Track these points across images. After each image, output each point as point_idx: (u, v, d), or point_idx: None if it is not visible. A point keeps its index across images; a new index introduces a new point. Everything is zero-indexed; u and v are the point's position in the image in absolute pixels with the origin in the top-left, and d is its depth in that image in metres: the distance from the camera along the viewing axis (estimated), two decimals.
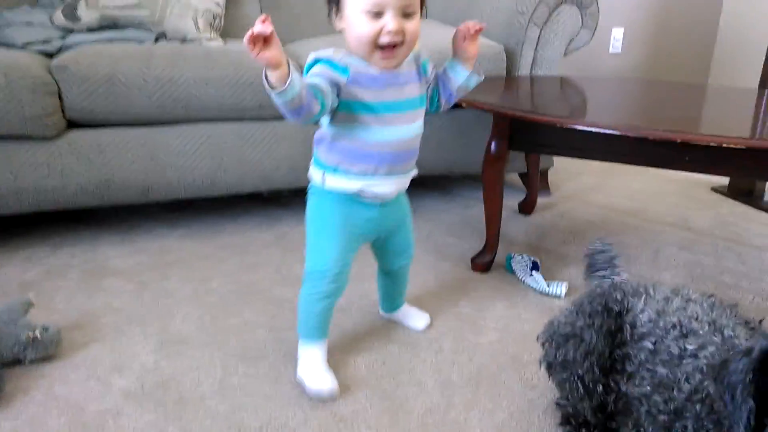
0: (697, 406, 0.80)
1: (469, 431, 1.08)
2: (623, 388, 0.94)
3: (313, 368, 1.18)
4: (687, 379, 0.84)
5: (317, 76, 1.02)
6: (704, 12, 3.47)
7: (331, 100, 1.02)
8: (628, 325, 0.97)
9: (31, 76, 1.56)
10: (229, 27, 2.17)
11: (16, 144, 1.60)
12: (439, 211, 2.06)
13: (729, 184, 2.33)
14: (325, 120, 1.10)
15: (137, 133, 1.70)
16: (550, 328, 1.06)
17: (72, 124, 1.66)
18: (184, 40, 1.94)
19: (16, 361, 1.21)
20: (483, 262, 1.64)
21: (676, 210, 2.15)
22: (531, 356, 1.26)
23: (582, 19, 2.03)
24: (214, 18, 2.09)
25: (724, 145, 1.26)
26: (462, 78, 1.15)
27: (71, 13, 1.89)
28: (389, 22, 1.00)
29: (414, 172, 1.19)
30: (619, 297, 1.01)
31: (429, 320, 1.39)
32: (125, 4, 1.92)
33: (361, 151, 1.09)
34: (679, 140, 1.28)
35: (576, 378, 0.99)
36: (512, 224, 1.97)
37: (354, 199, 1.13)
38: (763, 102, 1.75)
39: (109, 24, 1.91)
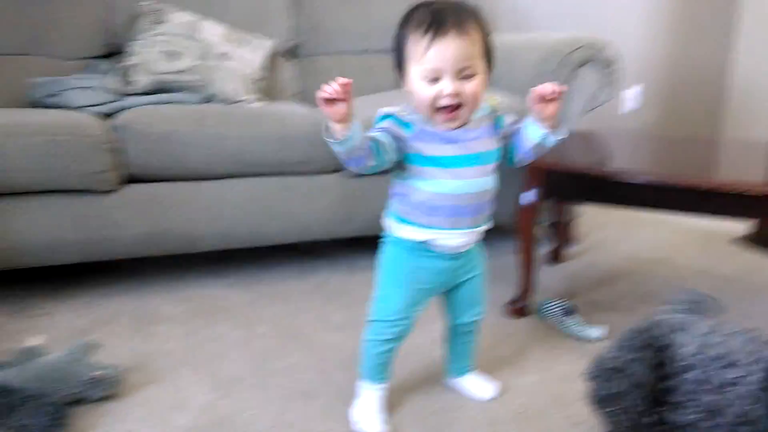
0: (742, 428, 0.85)
1: None
2: (670, 419, 0.98)
3: (368, 410, 1.22)
4: (731, 406, 0.89)
5: (381, 131, 1.07)
6: (714, 69, 3.60)
7: (390, 155, 1.07)
8: (672, 359, 1.02)
9: (93, 135, 1.68)
10: (270, 90, 2.31)
11: (77, 197, 1.70)
12: None
13: (747, 234, 2.38)
14: (395, 172, 1.14)
15: (191, 186, 1.81)
16: (597, 363, 1.11)
17: (130, 179, 1.77)
18: (230, 102, 2.07)
19: (80, 400, 1.27)
20: (518, 308, 1.70)
21: (700, 259, 2.20)
22: (574, 395, 1.30)
23: (604, 77, 2.14)
24: (257, 81, 2.23)
25: (745, 193, 1.33)
26: (537, 137, 1.13)
27: (126, 77, 2.04)
28: (446, 86, 1.03)
29: (487, 225, 1.19)
30: (661, 332, 1.07)
31: (497, 390, 1.35)
32: (176, 70, 2.06)
33: (427, 203, 1.11)
34: (705, 187, 1.36)
35: (624, 411, 1.04)
36: (542, 273, 2.02)
37: (424, 249, 1.14)
38: None
39: (160, 87, 2.04)
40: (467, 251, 1.19)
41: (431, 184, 1.10)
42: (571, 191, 1.65)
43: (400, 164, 1.11)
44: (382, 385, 1.24)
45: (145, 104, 1.92)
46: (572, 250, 2.25)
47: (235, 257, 2.08)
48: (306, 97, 2.37)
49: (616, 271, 2.07)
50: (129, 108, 1.87)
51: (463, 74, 1.04)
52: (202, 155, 1.78)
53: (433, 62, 1.03)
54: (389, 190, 1.17)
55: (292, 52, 2.50)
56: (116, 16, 2.26)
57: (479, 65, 1.06)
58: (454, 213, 1.12)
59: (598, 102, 2.19)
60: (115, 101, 1.96)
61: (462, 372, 1.35)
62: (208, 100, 2.04)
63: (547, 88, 1.08)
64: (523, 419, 1.25)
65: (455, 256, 1.18)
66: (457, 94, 1.04)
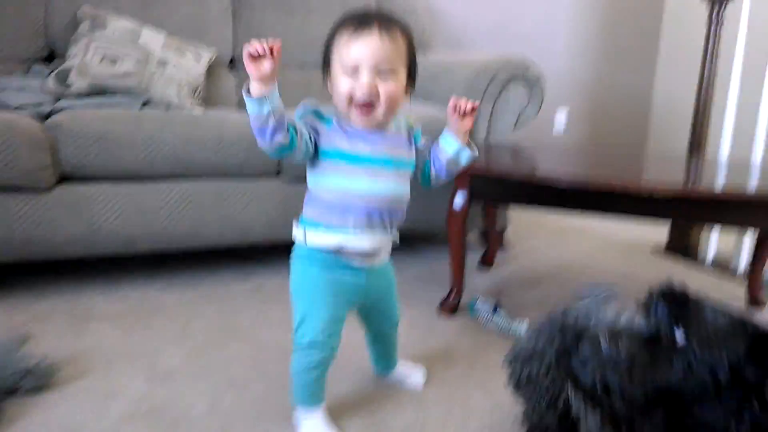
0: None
1: None
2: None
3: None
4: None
5: (300, 119, 1.09)
6: (638, 91, 3.84)
7: (304, 145, 1.07)
8: (579, 340, 1.11)
9: (27, 134, 1.68)
10: (209, 98, 2.35)
11: (11, 195, 1.69)
12: (406, 265, 2.19)
13: (666, 244, 2.55)
14: (309, 171, 1.14)
15: (125, 187, 1.82)
16: (514, 349, 1.20)
17: (64, 178, 1.77)
18: (168, 107, 2.09)
19: (13, 391, 1.26)
20: (450, 306, 1.78)
21: (622, 266, 2.35)
22: (498, 382, 1.38)
23: (530, 96, 2.28)
24: (196, 89, 2.27)
25: (654, 195, 1.46)
26: (452, 150, 1.17)
27: (63, 80, 2.03)
28: (362, 78, 1.06)
29: (396, 236, 1.21)
30: (571, 318, 1.16)
31: (424, 373, 1.41)
32: (115, 73, 2.07)
33: (339, 203, 1.11)
34: (618, 189, 1.48)
35: (541, 391, 1.12)
36: (474, 276, 2.12)
37: (339, 264, 1.14)
38: (692, 162, 2.00)
39: (98, 91, 2.05)
40: (380, 268, 1.21)
41: (344, 182, 1.10)
42: (496, 194, 1.76)
43: (314, 161, 1.12)
44: (322, 406, 1.21)
45: (81, 106, 1.93)
46: (503, 255, 2.36)
47: (173, 259, 2.09)
48: (242, 106, 2.41)
49: (543, 275, 2.19)
50: (65, 109, 1.88)
51: (381, 72, 1.07)
52: (138, 157, 1.80)
53: (353, 54, 1.06)
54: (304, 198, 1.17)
55: (231, 62, 2.55)
56: (56, 20, 2.26)
57: (399, 70, 1.09)
58: (366, 213, 1.11)
59: (525, 117, 2.33)
60: (51, 102, 1.97)
61: (389, 368, 1.40)
62: (147, 104, 2.07)
63: (462, 101, 1.13)
64: (450, 402, 1.32)
65: (369, 271, 1.17)
66: (371, 89, 1.06)
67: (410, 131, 1.19)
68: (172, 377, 1.39)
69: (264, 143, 1.04)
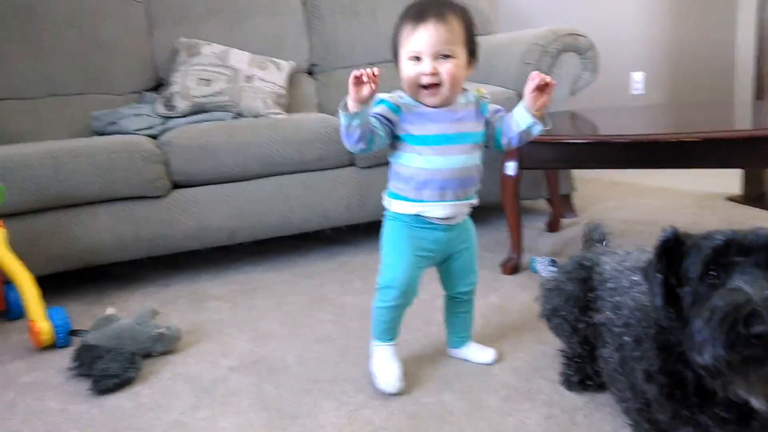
0: (637, 313, 1.09)
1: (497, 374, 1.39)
2: (596, 320, 1.23)
3: (383, 363, 1.36)
4: (633, 299, 1.13)
5: (375, 116, 1.23)
6: (719, 51, 3.75)
7: (380, 140, 1.23)
8: (596, 274, 1.27)
9: (144, 150, 2.05)
10: (292, 105, 2.65)
11: (136, 202, 2.07)
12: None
13: (740, 194, 2.56)
14: (390, 152, 1.31)
15: (225, 188, 2.15)
16: (541, 287, 1.38)
17: (176, 185, 2.13)
18: (256, 116, 2.41)
19: (147, 354, 1.60)
20: (510, 266, 1.97)
21: (692, 218, 2.41)
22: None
23: (583, 63, 2.39)
24: (279, 97, 2.58)
25: (686, 140, 1.57)
26: (524, 124, 1.25)
27: (169, 104, 2.41)
28: (425, 65, 1.21)
29: (474, 200, 1.33)
30: (589, 257, 1.32)
31: (495, 355, 1.46)
32: (210, 93, 2.42)
33: (416, 179, 1.26)
34: (646, 140, 1.61)
35: (563, 320, 1.30)
36: (540, 239, 2.28)
37: (419, 221, 1.29)
38: (749, 109, 2.04)
39: (198, 110, 2.40)
40: (458, 224, 1.33)
41: (418, 161, 1.25)
42: (545, 159, 1.91)
43: (393, 144, 1.28)
44: (393, 343, 1.39)
45: (186, 124, 2.29)
46: (569, 220, 2.49)
47: (270, 245, 2.42)
48: (323, 108, 2.70)
49: (611, 234, 2.30)
50: (173, 128, 2.24)
51: (440, 56, 1.21)
52: (233, 160, 2.12)
53: (415, 45, 1.21)
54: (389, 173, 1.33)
55: (309, 71, 2.85)
56: (158, 53, 2.66)
57: (458, 51, 1.23)
58: (439, 187, 1.26)
59: (581, 85, 2.44)
60: (161, 124, 2.34)
61: (461, 343, 1.47)
62: (239, 116, 2.40)
63: (545, 78, 1.19)
64: (501, 339, 1.52)
65: (447, 227, 1.31)
66: (434, 73, 1.21)
67: (478, 103, 1.30)
68: (270, 338, 1.68)
69: (348, 145, 1.22)
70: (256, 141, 2.14)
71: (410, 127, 1.25)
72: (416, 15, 1.22)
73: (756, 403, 0.82)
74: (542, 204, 2.66)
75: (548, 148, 1.85)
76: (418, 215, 1.28)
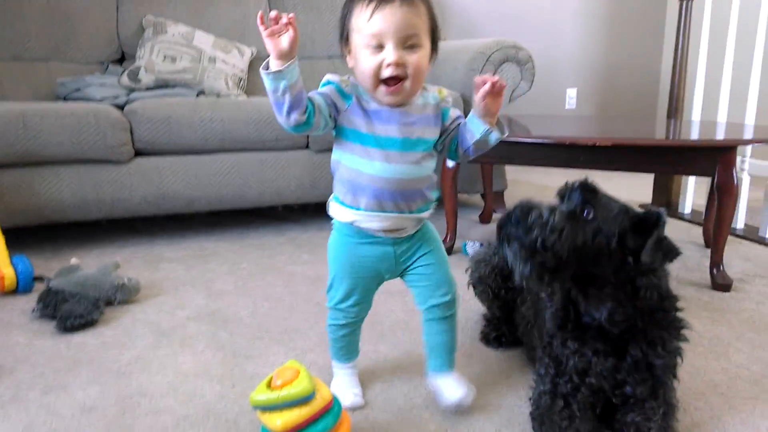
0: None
1: None
2: (516, 285, 1.45)
3: (341, 386, 1.26)
4: None
5: (320, 94, 1.05)
6: (646, 65, 4.11)
7: (322, 120, 1.04)
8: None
9: (111, 117, 2.17)
10: (251, 89, 2.80)
11: (100, 166, 2.18)
12: None
13: (652, 200, 2.88)
14: (334, 144, 1.12)
15: (186, 159, 2.29)
16: (471, 260, 1.59)
17: (138, 153, 2.25)
18: (218, 95, 2.55)
19: (109, 301, 1.73)
20: (445, 247, 2.18)
21: None
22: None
23: (521, 73, 2.64)
24: (240, 80, 2.72)
25: (597, 144, 1.83)
26: (479, 132, 1.09)
27: (134, 77, 2.52)
28: (389, 54, 1.00)
29: (424, 214, 1.15)
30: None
31: (470, 396, 1.21)
32: (175, 70, 2.55)
33: (354, 182, 1.08)
34: (567, 143, 1.85)
35: (488, 287, 1.52)
36: (473, 229, 2.51)
37: (360, 234, 1.13)
38: (662, 124, 2.33)
39: (162, 84, 2.53)
40: (409, 237, 1.16)
41: (357, 162, 1.07)
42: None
43: (336, 135, 1.11)
44: (350, 364, 1.29)
45: (150, 97, 2.41)
46: (500, 214, 2.74)
47: (224, 217, 2.57)
48: None
49: None
50: (137, 99, 2.36)
51: (407, 43, 1.02)
52: (195, 134, 2.26)
53: (377, 27, 1.00)
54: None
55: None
56: (125, 28, 2.77)
57: (424, 40, 1.04)
58: (376, 195, 1.08)
59: (516, 94, 2.70)
60: (125, 95, 2.46)
61: (439, 369, 1.24)
62: (200, 94, 2.53)
63: (492, 79, 1.05)
64: None
65: (395, 241, 1.14)
66: (400, 64, 1.01)
67: (439, 106, 1.12)
68: (224, 295, 1.84)
69: (281, 118, 1.02)
70: (218, 117, 2.29)
71: (358, 122, 1.07)
72: None
73: (601, 316, 1.07)
74: (478, 199, 2.90)
75: None
76: (355, 225, 1.12)
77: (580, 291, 1.09)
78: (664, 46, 4.05)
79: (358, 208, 1.10)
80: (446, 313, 1.21)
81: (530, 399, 1.19)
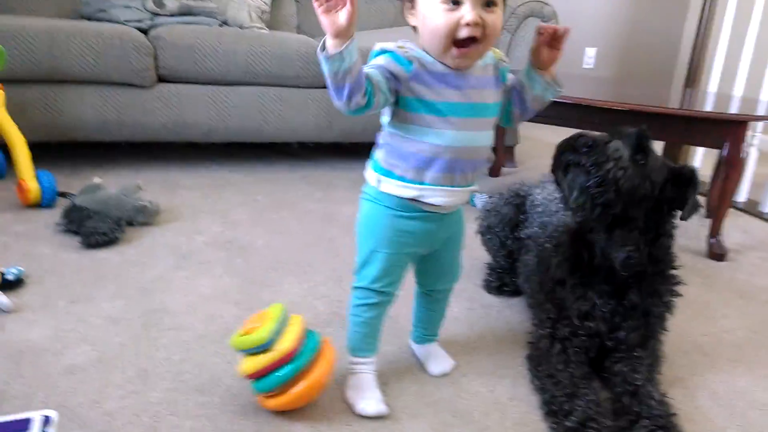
0: (560, 228, 1.36)
1: None
2: (523, 235, 1.52)
3: (362, 391, 1.12)
4: (558, 220, 1.41)
5: (376, 68, 0.94)
6: (668, 30, 4.08)
7: (382, 98, 0.94)
8: (528, 201, 1.56)
9: (137, 41, 2.19)
10: (273, 23, 2.80)
11: (123, 89, 2.22)
12: None
13: None
14: (385, 119, 1.02)
15: (207, 89, 2.33)
16: (482, 209, 1.66)
17: (161, 79, 2.28)
18: (240, 27, 2.56)
19: (130, 222, 1.80)
20: None
21: None
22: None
23: None
24: (263, 13, 2.72)
25: (615, 108, 1.86)
26: (539, 88, 1.03)
27: (159, 1, 2.52)
28: (467, 12, 0.90)
29: (475, 186, 1.08)
30: (525, 188, 1.61)
31: (450, 368, 1.24)
32: None
33: (420, 155, 0.99)
34: (585, 104, 1.89)
35: (495, 235, 1.59)
36: (482, 182, 2.55)
37: (408, 209, 1.04)
38: (683, 92, 2.36)
39: (185, 11, 2.53)
40: (452, 214, 1.10)
41: (423, 133, 0.98)
42: None
43: (394, 109, 0.99)
44: (371, 359, 1.16)
45: (174, 23, 2.42)
46: (509, 169, 2.79)
47: (241, 148, 2.62)
48: (302, 30, 2.87)
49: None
50: (161, 25, 2.37)
51: (486, 1, 0.92)
52: (218, 65, 2.29)
53: None
54: (377, 140, 1.05)
55: None
56: None
57: None
58: (447, 168, 1.00)
59: None
60: (150, 20, 2.47)
61: (423, 340, 1.27)
62: (224, 24, 2.54)
63: (556, 28, 0.98)
64: None
65: (439, 216, 1.07)
66: (479, 24, 0.91)
67: (497, 66, 1.03)
68: (239, 225, 1.91)
69: (340, 103, 0.92)
70: (242, 50, 2.31)
71: (423, 90, 0.96)
72: None
73: (617, 259, 1.15)
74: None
75: None
76: (413, 200, 1.03)
77: (607, 231, 1.16)
78: (689, 12, 4.01)
79: (422, 183, 1.00)
80: (445, 295, 1.23)
81: (529, 343, 1.28)
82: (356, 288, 1.12)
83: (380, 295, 1.11)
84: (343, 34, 0.86)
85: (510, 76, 1.06)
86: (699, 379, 1.28)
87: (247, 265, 1.64)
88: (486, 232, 1.62)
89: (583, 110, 1.99)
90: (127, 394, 1.10)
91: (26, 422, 0.91)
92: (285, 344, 1.02)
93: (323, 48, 0.87)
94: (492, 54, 1.03)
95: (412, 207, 1.04)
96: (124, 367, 1.17)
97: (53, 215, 1.81)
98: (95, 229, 1.67)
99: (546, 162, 1.23)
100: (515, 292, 1.57)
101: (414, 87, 0.96)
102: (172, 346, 1.25)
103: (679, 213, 1.17)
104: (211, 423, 1.04)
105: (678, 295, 1.24)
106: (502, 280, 1.61)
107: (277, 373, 1.02)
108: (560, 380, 1.15)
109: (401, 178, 1.01)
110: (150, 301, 1.41)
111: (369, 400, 1.10)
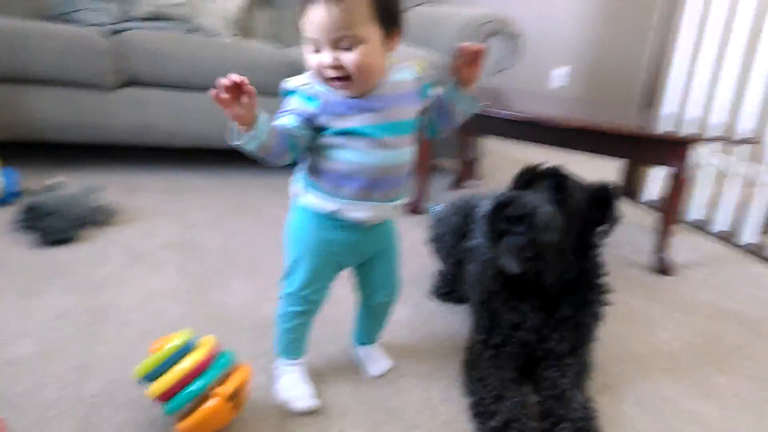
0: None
1: None
2: (469, 245, 1.56)
3: (291, 386, 1.17)
4: None
5: (289, 114, 1.01)
6: (632, 51, 4.17)
7: (306, 139, 1.01)
8: (476, 211, 1.60)
9: (98, 44, 2.21)
10: (245, 31, 2.84)
11: (84, 91, 2.24)
12: None
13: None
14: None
15: (171, 94, 2.35)
16: (432, 218, 1.70)
17: (126, 83, 2.30)
18: (209, 35, 2.60)
19: (87, 222, 1.82)
20: (413, 207, 2.29)
21: None
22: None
23: (509, 47, 2.71)
24: (235, 21, 2.76)
25: (568, 126, 1.93)
26: (462, 103, 1.09)
27: (129, 5, 2.55)
28: (323, 57, 0.96)
29: (402, 201, 1.12)
30: (472, 199, 1.65)
31: (388, 368, 1.29)
32: (170, 3, 2.58)
33: (336, 173, 1.04)
34: (543, 123, 1.95)
35: (443, 245, 1.63)
36: (443, 194, 2.62)
37: (333, 220, 1.07)
38: (639, 112, 2.43)
39: (155, 17, 2.56)
40: (378, 226, 1.13)
41: (338, 153, 1.02)
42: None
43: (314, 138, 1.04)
44: (299, 361, 1.20)
45: (141, 27, 2.45)
46: (473, 183, 2.84)
47: (204, 155, 2.64)
48: (276, 38, 2.91)
49: None
50: (129, 29, 2.40)
51: (341, 45, 0.96)
52: (182, 71, 2.32)
53: (308, 29, 0.96)
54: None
55: (269, 2, 3.03)
56: None
57: (365, 32, 0.96)
58: (365, 185, 1.04)
59: (503, 67, 2.77)
60: (118, 22, 2.49)
61: (363, 342, 1.31)
62: (193, 30, 2.57)
63: (475, 45, 1.04)
64: None
65: (363, 229, 1.10)
66: (338, 66, 0.96)
67: (419, 82, 1.08)
68: (196, 227, 1.93)
69: (273, 164, 1.02)
70: (205, 56, 2.34)
71: (333, 120, 1.01)
72: None
73: (511, 267, 1.20)
74: (452, 166, 3.00)
75: None
76: (334, 213, 1.07)
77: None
78: (651, 33, 4.12)
79: (343, 198, 1.05)
80: (384, 308, 1.26)
81: (464, 348, 1.32)
82: (282, 295, 1.16)
83: (306, 303, 1.15)
84: (248, 120, 0.92)
85: (433, 91, 1.10)
86: (627, 386, 1.33)
87: (199, 266, 1.66)
88: (435, 241, 1.66)
89: (539, 128, 2.05)
90: (65, 386, 1.12)
91: None
92: (194, 357, 1.00)
93: (235, 133, 0.94)
94: (413, 68, 1.07)
95: (334, 218, 1.07)
96: (65, 360, 1.19)
97: (11, 213, 1.81)
98: (51, 227, 1.69)
99: (508, 177, 1.28)
100: (461, 300, 1.61)
101: (324, 119, 1.00)
102: (115, 341, 1.27)
103: (603, 228, 1.23)
104: (146, 413, 1.06)
105: (607, 304, 1.29)
106: (450, 286, 1.65)
107: (186, 390, 0.98)
108: (489, 383, 1.19)
109: (323, 192, 1.06)
110: (98, 298, 1.43)
111: (300, 397, 1.14)
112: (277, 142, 0.97)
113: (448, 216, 1.65)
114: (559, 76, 4.11)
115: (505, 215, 1.17)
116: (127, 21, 2.49)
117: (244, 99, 0.91)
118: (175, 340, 1.01)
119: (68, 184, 1.89)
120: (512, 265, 1.20)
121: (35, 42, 2.12)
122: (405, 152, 1.07)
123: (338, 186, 1.05)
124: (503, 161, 3.27)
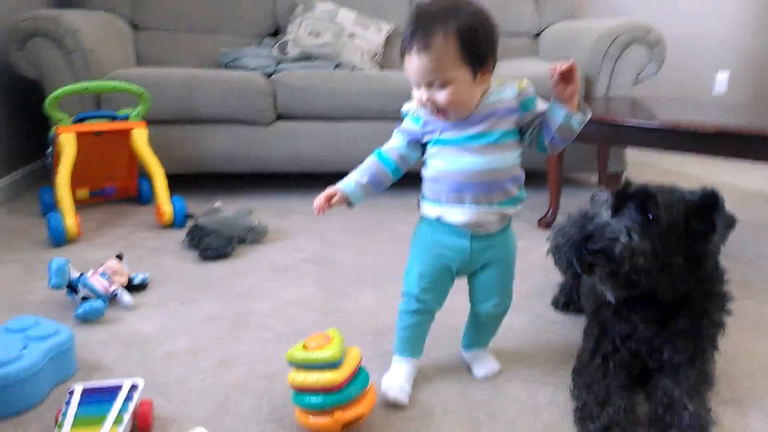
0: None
1: None
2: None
3: (394, 379, 1.25)
4: None
5: (399, 133, 1.24)
6: None
7: (411, 158, 1.22)
8: (593, 223, 1.59)
9: (260, 85, 2.51)
10: (386, 62, 3.03)
11: (246, 126, 2.54)
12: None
13: None
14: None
15: (319, 125, 2.59)
16: (552, 229, 1.71)
17: (279, 117, 2.57)
18: (353, 68, 2.81)
19: (241, 240, 2.06)
20: (545, 221, 2.29)
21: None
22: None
23: (650, 55, 2.62)
24: (375, 55, 2.96)
25: (698, 131, 1.84)
26: (560, 118, 1.13)
27: (283, 49, 2.85)
28: (421, 94, 1.11)
29: (508, 209, 1.20)
30: (592, 210, 1.64)
31: (495, 371, 1.34)
32: (316, 44, 2.84)
33: (436, 179, 1.18)
34: (689, 129, 1.88)
35: (562, 255, 1.63)
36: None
37: (441, 224, 1.20)
38: None
39: (305, 57, 2.83)
40: (491, 235, 1.21)
41: (438, 161, 1.17)
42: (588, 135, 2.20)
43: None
44: (410, 359, 1.29)
45: (294, 67, 2.72)
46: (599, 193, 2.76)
47: None
48: None
49: None
50: (283, 69, 2.68)
51: (433, 86, 1.09)
52: (328, 103, 2.55)
53: (407, 71, 1.12)
54: None
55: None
56: (281, 4, 3.11)
57: (454, 74, 1.07)
58: (455, 189, 1.15)
59: (644, 75, 2.68)
60: (275, 65, 2.79)
61: (471, 346, 1.38)
62: (338, 66, 2.81)
63: (565, 64, 1.09)
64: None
65: (474, 236, 1.20)
66: (431, 104, 1.10)
67: (519, 97, 1.16)
68: (334, 244, 2.11)
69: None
70: (349, 89, 2.55)
71: (431, 135, 1.18)
72: (406, 37, 1.10)
73: (609, 295, 1.20)
74: (593, 179, 2.93)
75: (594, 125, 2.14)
76: (439, 218, 1.20)
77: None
78: None
79: (441, 203, 1.18)
80: (492, 319, 1.33)
81: (576, 356, 1.33)
82: (403, 294, 1.29)
83: (420, 303, 1.25)
84: (344, 202, 1.29)
85: (538, 106, 1.17)
86: (758, 401, 1.25)
87: (332, 279, 1.82)
88: (554, 252, 1.67)
89: (678, 135, 1.96)
90: (207, 377, 1.30)
91: (118, 387, 1.14)
92: (336, 376, 1.08)
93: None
94: (514, 88, 1.16)
95: (441, 223, 1.20)
96: (210, 356, 1.39)
97: (182, 234, 2.11)
98: (210, 245, 1.95)
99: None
100: (580, 310, 1.60)
101: (427, 134, 1.18)
102: (252, 342, 1.45)
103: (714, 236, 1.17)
104: (269, 403, 1.21)
105: (728, 313, 1.23)
106: (569, 297, 1.64)
107: (316, 399, 1.09)
108: (594, 389, 1.19)
109: (428, 200, 1.22)
110: (242, 305, 1.63)
111: (393, 387, 1.23)
112: (375, 189, 1.26)
113: (563, 225, 1.65)
114: (719, 82, 3.84)
115: (589, 249, 1.18)
116: (279, 63, 2.78)
117: (333, 201, 1.26)
118: (327, 352, 1.10)
119: (224, 209, 2.15)
120: (608, 295, 1.20)
121: (206, 87, 2.45)
122: (496, 159, 1.15)
123: (437, 192, 1.19)
124: (651, 172, 3.13)
